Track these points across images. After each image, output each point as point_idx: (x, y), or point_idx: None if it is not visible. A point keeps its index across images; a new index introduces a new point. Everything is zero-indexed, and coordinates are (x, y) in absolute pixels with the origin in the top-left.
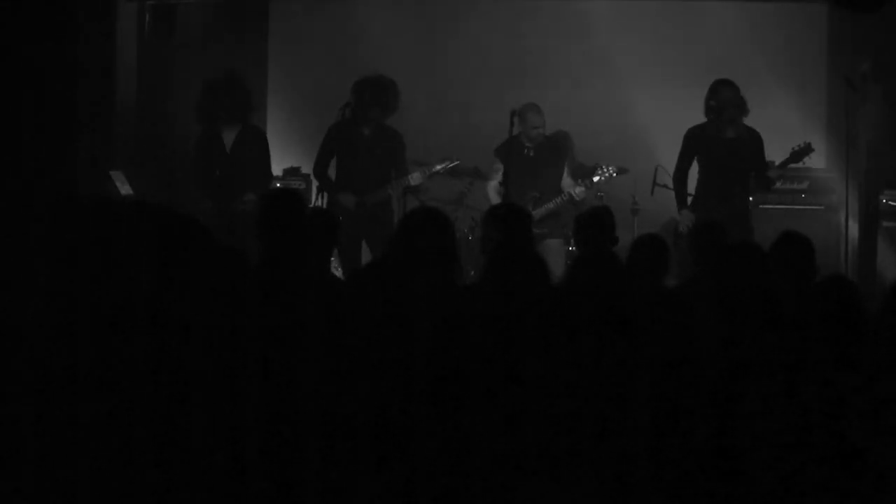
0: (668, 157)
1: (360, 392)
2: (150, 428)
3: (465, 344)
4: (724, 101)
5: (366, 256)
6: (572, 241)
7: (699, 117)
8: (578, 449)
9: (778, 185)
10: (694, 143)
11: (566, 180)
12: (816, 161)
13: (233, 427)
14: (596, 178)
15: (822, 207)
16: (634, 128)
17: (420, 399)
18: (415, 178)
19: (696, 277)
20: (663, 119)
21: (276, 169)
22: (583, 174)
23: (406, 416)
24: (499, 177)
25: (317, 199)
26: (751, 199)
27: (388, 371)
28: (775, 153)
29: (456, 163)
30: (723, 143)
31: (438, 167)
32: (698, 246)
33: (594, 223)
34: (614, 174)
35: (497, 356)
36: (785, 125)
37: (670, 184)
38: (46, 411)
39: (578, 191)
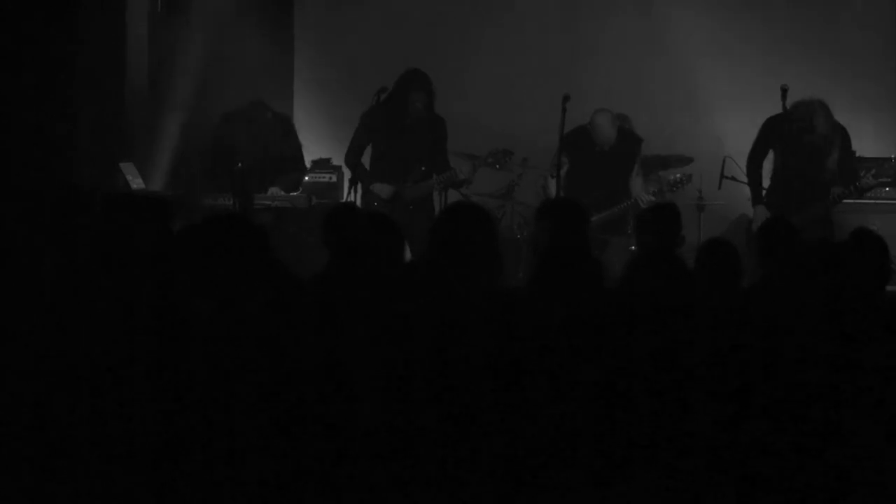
0: (737, 147)
1: (401, 400)
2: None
3: (511, 351)
4: (806, 120)
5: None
6: (633, 239)
7: (771, 102)
8: (633, 457)
9: (869, 193)
10: (772, 134)
11: (636, 180)
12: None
13: (281, 431)
14: (666, 193)
15: None
16: (699, 114)
17: (467, 406)
18: (464, 170)
19: (762, 281)
20: (732, 104)
21: (305, 161)
22: (645, 169)
23: (451, 424)
24: (563, 171)
25: (349, 193)
26: (835, 198)
27: (433, 378)
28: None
29: (511, 154)
30: (805, 140)
31: (490, 159)
32: (765, 245)
33: (658, 221)
34: (685, 184)
35: (546, 363)
36: (854, 111)
37: (739, 176)
38: (51, 407)
39: (647, 199)
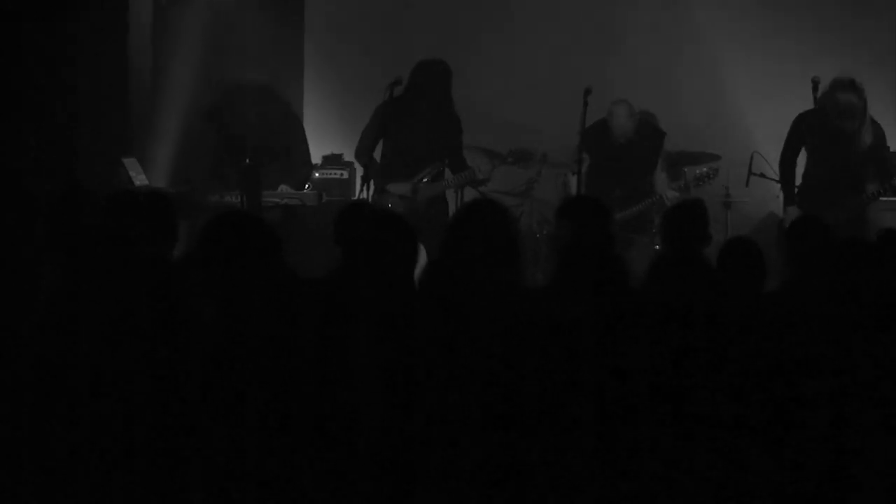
0: (766, 142)
1: (404, 400)
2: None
3: (530, 353)
4: (840, 107)
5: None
6: (657, 238)
7: (802, 94)
8: (647, 463)
9: None
10: (804, 130)
11: (660, 176)
12: None
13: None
14: (692, 187)
15: None
16: (728, 108)
17: (483, 410)
18: (483, 170)
19: (792, 280)
20: (761, 98)
21: (315, 156)
22: (669, 165)
23: (466, 427)
24: (584, 167)
25: (361, 191)
26: (871, 195)
27: (451, 382)
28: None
29: (530, 155)
30: (837, 136)
31: (510, 159)
32: (793, 245)
33: (684, 219)
34: (712, 178)
35: (566, 365)
36: (889, 103)
37: (768, 173)
38: (50, 410)
39: (671, 195)
